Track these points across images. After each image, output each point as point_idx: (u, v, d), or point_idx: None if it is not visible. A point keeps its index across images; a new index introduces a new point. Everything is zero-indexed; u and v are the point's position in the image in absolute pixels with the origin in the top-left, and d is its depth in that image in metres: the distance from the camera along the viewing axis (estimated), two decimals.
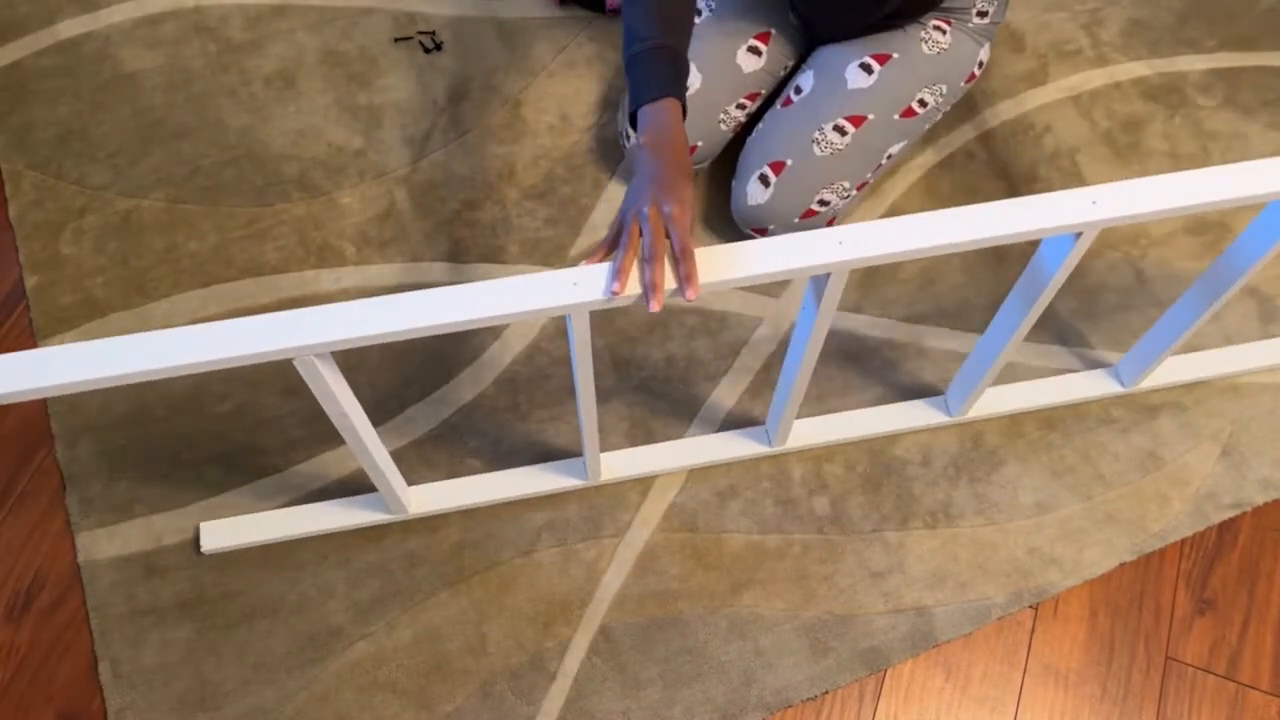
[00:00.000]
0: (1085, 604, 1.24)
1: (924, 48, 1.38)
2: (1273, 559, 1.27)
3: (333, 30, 1.70)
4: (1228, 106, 1.64)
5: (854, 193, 1.41)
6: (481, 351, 1.40)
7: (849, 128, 1.37)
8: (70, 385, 0.84)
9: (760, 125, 1.45)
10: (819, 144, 1.35)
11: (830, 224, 1.42)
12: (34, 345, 1.39)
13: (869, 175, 1.42)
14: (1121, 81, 1.67)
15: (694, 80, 1.41)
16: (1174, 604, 1.25)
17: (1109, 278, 1.47)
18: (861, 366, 1.40)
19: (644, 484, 1.30)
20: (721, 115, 1.45)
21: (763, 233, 1.41)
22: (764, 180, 1.37)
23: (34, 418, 1.34)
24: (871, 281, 1.46)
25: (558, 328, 1.42)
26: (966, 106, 1.63)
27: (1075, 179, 1.56)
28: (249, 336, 0.87)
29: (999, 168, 1.57)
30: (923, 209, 1.53)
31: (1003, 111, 1.63)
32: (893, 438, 1.34)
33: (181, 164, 1.55)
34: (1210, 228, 1.52)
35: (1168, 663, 1.21)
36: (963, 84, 1.45)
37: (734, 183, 1.43)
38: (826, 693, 1.18)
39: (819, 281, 0.98)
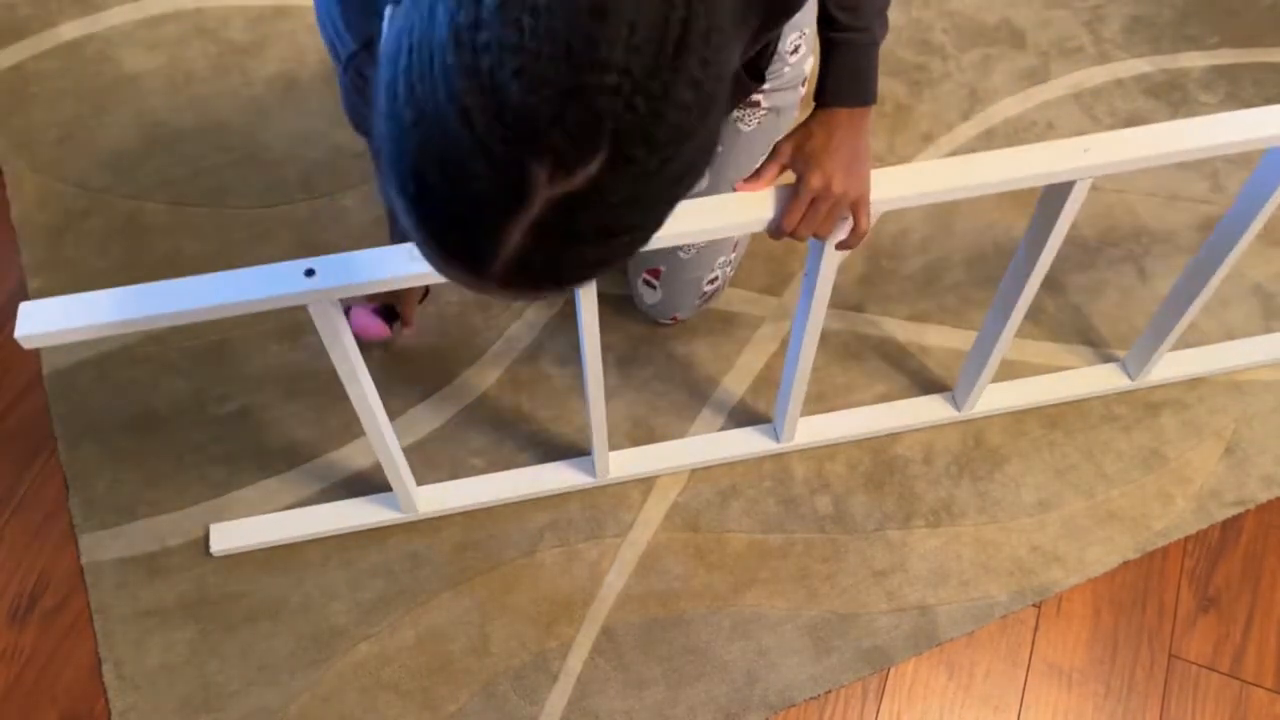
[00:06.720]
0: (1088, 602, 1.24)
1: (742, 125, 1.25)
2: (1276, 556, 1.27)
3: None
4: (1230, 103, 1.64)
5: (734, 256, 1.36)
6: (484, 351, 1.40)
7: None
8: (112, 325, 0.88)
9: None
10: (683, 249, 1.31)
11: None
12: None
13: (738, 236, 1.37)
14: (1123, 78, 1.67)
15: None
16: (1177, 602, 1.24)
17: (1111, 275, 1.47)
18: (863, 365, 1.40)
19: (646, 484, 1.30)
20: None
21: (674, 320, 1.39)
22: (649, 284, 1.35)
23: (36, 419, 1.34)
24: (873, 279, 1.46)
25: (558, 326, 1.42)
26: (968, 103, 1.63)
27: None
28: (268, 281, 0.89)
29: None
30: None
31: (1004, 109, 1.63)
32: (894, 436, 1.34)
33: (183, 165, 1.55)
34: (1213, 223, 1.51)
35: (1171, 661, 1.21)
36: (795, 114, 1.29)
37: (629, 280, 1.39)
38: (829, 692, 1.18)
39: None
